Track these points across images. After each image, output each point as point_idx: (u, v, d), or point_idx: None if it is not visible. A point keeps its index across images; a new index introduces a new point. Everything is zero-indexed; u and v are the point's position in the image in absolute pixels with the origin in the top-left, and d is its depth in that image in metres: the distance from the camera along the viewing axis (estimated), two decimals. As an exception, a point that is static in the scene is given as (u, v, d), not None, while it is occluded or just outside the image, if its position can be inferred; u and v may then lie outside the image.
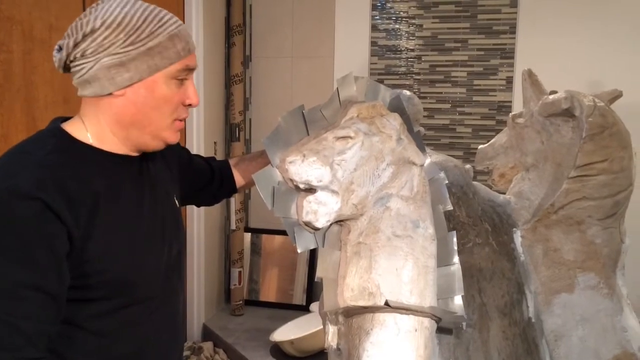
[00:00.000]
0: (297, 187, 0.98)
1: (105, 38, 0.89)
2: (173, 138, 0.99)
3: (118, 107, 0.93)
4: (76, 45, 0.90)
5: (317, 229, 0.99)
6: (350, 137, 0.98)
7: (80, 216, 0.89)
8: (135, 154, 1.01)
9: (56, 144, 0.92)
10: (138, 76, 0.91)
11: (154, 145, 0.99)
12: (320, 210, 0.96)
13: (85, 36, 0.89)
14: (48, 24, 1.94)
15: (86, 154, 0.95)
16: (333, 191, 0.96)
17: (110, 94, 0.92)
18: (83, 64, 0.90)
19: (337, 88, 1.05)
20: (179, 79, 0.95)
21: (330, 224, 1.01)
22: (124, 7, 0.91)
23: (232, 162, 1.33)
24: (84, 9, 0.85)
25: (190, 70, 0.97)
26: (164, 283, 1.04)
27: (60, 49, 0.93)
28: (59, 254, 0.87)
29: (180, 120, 0.99)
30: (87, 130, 0.95)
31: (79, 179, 0.91)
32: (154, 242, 1.02)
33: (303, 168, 0.95)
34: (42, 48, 1.92)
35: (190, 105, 0.98)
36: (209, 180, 1.28)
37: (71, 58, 0.92)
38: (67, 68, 0.94)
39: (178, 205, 1.14)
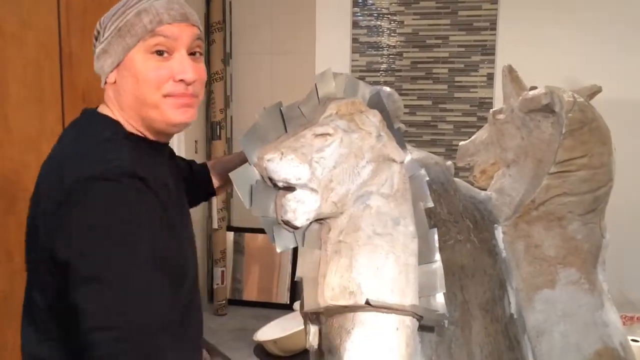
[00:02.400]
0: (275, 186, 0.97)
1: (97, 33, 0.93)
2: (172, 116, 0.92)
3: (118, 92, 0.93)
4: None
5: (296, 228, 0.97)
6: (329, 134, 0.96)
7: (163, 203, 0.90)
8: (160, 140, 0.99)
9: (118, 132, 0.92)
10: (117, 59, 0.91)
11: (160, 124, 0.94)
12: (299, 208, 0.95)
13: (96, 35, 0.94)
14: (20, 19, 1.89)
15: (138, 142, 0.94)
16: (312, 189, 0.95)
17: (106, 82, 0.94)
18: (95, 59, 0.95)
19: (316, 84, 1.03)
20: (158, 53, 0.90)
21: (310, 223, 0.99)
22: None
23: (209, 164, 1.31)
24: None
25: (168, 39, 0.90)
26: (195, 272, 1.06)
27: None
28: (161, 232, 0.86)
29: (176, 97, 0.92)
30: (118, 117, 0.95)
31: (150, 167, 0.91)
32: (188, 231, 1.05)
33: (281, 166, 0.93)
34: (14, 44, 1.87)
35: (182, 80, 0.91)
36: (190, 183, 1.26)
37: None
38: None
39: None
